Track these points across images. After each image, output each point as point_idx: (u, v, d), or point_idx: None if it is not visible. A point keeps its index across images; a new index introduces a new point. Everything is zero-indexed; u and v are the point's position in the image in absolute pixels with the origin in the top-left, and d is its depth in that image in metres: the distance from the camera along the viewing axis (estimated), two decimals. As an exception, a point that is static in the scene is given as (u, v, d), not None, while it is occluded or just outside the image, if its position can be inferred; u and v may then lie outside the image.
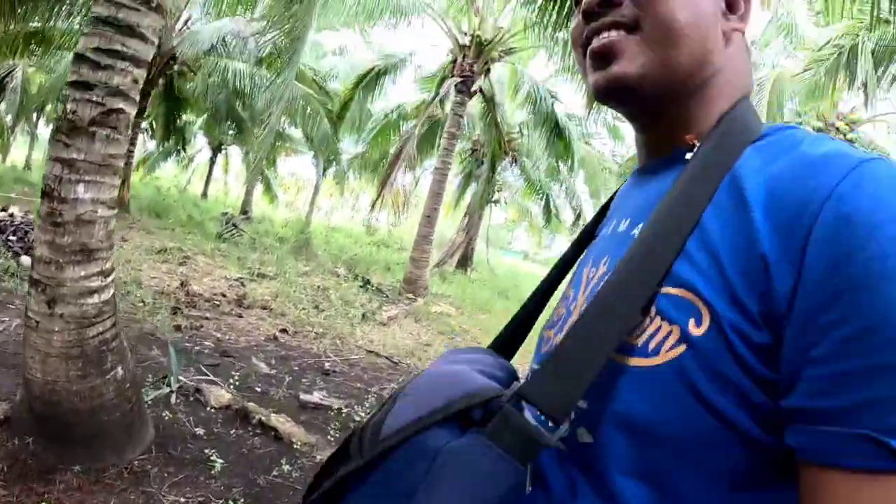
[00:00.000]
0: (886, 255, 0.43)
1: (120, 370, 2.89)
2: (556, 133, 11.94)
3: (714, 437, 0.49)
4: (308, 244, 13.30)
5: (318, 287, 9.65)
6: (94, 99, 2.65)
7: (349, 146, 21.61)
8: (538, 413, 0.52)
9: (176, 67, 12.90)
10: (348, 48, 21.03)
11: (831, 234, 0.46)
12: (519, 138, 14.36)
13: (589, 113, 10.02)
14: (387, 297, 10.29)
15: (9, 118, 19.79)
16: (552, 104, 11.78)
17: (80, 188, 2.67)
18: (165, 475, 2.91)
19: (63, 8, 9.55)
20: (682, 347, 0.51)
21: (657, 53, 0.62)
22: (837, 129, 11.20)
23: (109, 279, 2.87)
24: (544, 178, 16.34)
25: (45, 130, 23.79)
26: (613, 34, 0.64)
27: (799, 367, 0.46)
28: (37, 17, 8.71)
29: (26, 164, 22.38)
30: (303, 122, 14.35)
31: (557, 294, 0.83)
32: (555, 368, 0.53)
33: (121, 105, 2.73)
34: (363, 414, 4.33)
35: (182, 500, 2.77)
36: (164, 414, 3.50)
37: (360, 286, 10.40)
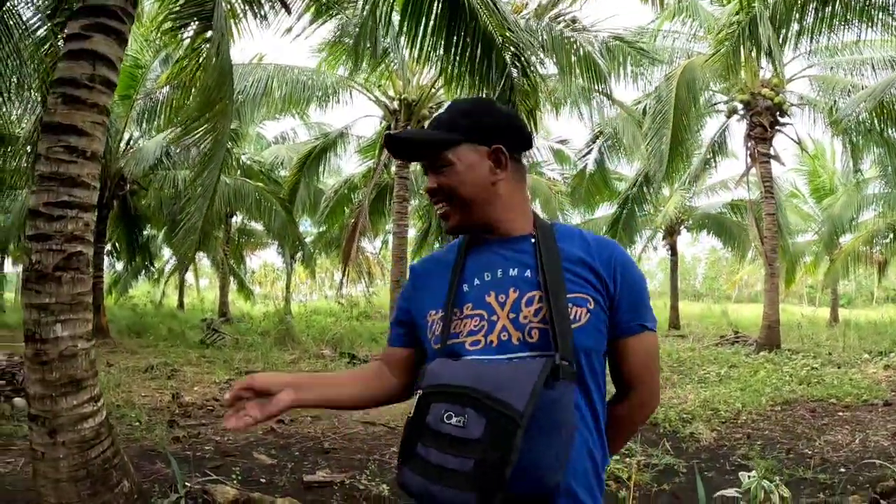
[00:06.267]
0: (636, 274, 1.28)
1: (126, 483, 3.09)
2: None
3: (602, 342, 1.23)
4: (290, 332, 13.40)
5: (307, 372, 9.78)
6: (54, 247, 2.91)
7: (311, 227, 21.58)
8: (563, 362, 1.10)
9: (127, 187, 13.07)
10: (290, 133, 21.35)
11: (621, 269, 1.24)
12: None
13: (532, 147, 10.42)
14: (375, 367, 10.40)
15: (-30, 263, 19.59)
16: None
17: (58, 327, 2.91)
18: (186, 574, 3.07)
19: (9, 149, 9.79)
20: (589, 315, 1.19)
21: (463, 213, 1.28)
22: (763, 96, 11.72)
23: (100, 403, 3.11)
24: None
25: (11, 269, 23.53)
26: (441, 206, 1.29)
27: (618, 310, 1.24)
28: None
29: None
30: (259, 214, 14.57)
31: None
32: (560, 342, 1.13)
33: (79, 248, 2.99)
34: (366, 482, 4.50)
35: (206, 592, 2.94)
36: (176, 519, 3.66)
37: (348, 362, 10.52)
